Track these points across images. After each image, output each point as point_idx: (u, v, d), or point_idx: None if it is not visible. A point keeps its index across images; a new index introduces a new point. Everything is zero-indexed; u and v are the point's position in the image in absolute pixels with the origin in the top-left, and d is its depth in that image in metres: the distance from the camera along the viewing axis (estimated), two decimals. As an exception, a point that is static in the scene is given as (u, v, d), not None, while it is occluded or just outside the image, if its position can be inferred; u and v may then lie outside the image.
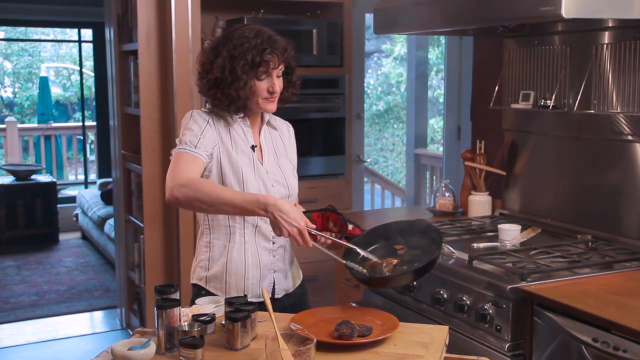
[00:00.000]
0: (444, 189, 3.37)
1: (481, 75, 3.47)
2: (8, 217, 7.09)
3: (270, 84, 2.10)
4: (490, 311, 2.31)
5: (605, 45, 2.71)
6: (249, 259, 2.17)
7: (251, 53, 2.05)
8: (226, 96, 2.09)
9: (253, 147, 2.18)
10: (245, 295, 2.02)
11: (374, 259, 2.04)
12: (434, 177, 5.15)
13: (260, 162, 2.19)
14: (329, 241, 2.07)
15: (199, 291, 2.21)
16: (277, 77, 2.13)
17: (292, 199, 2.25)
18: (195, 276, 2.23)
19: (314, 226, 2.00)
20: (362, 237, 2.15)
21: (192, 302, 2.14)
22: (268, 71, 2.09)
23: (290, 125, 2.37)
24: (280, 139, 2.29)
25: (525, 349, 2.28)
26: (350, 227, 2.15)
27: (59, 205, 7.48)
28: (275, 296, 2.21)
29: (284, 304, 2.22)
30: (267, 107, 2.14)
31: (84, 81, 9.04)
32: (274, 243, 2.20)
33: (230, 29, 2.16)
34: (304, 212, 2.17)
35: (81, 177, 9.25)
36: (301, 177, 2.44)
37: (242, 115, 2.18)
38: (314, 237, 2.00)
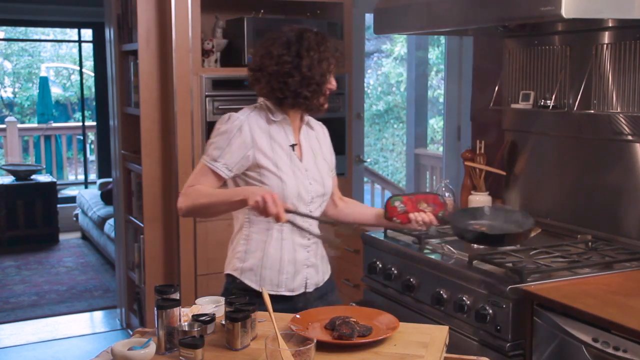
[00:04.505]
0: (444, 189, 3.37)
1: (481, 75, 3.47)
2: (8, 217, 7.09)
3: (331, 84, 2.22)
4: (490, 311, 2.31)
5: (605, 45, 2.71)
6: (285, 255, 2.23)
7: (331, 54, 2.20)
8: (313, 92, 2.17)
9: (293, 146, 2.24)
10: (245, 296, 2.03)
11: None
12: (434, 177, 5.15)
13: (300, 160, 2.25)
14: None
15: (234, 281, 2.26)
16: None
17: (327, 197, 2.33)
18: (230, 267, 2.28)
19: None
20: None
21: (226, 291, 2.25)
22: (331, 72, 2.22)
23: (324, 126, 2.44)
24: (316, 139, 2.37)
25: (525, 349, 2.28)
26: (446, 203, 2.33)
27: (59, 205, 7.48)
28: (307, 290, 2.28)
29: (313, 297, 2.29)
30: (326, 105, 2.25)
31: (84, 81, 9.04)
32: (309, 239, 2.27)
33: (297, 30, 2.21)
34: (394, 196, 2.28)
35: (81, 177, 9.25)
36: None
37: (285, 115, 2.24)
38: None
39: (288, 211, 2.07)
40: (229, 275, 2.29)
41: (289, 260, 2.23)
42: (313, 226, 2.27)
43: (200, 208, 2.16)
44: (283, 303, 2.19)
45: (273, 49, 2.17)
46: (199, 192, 2.14)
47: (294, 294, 2.25)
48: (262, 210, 1.99)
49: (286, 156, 2.21)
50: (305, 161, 2.26)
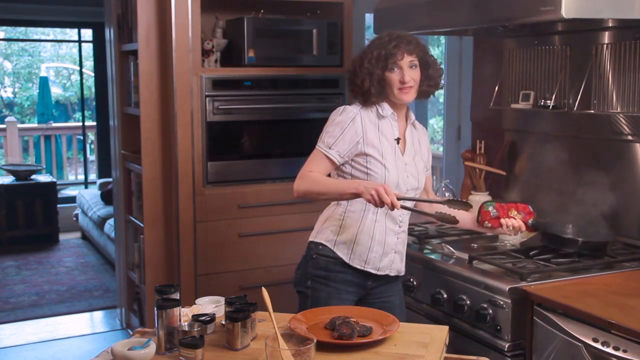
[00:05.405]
0: (444, 189, 3.37)
1: (481, 75, 3.47)
2: (8, 217, 7.08)
3: (401, 75, 2.32)
4: (490, 311, 2.31)
5: (605, 45, 2.71)
6: (376, 236, 2.41)
7: (377, 49, 2.34)
8: (358, 87, 2.37)
9: (397, 140, 2.42)
10: (245, 296, 2.03)
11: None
12: (434, 177, 5.15)
13: (402, 154, 2.43)
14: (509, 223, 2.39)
15: (319, 247, 2.43)
16: (410, 68, 2.34)
17: (419, 191, 2.53)
18: (323, 236, 2.45)
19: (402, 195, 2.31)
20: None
21: (307, 257, 2.46)
22: (396, 63, 2.32)
23: (425, 130, 2.62)
24: (418, 138, 2.54)
25: (525, 349, 2.28)
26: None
27: (59, 205, 7.47)
28: (389, 273, 2.45)
29: (389, 280, 2.47)
30: (401, 97, 2.36)
31: (84, 81, 9.03)
32: (400, 227, 2.45)
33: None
34: (487, 202, 2.44)
35: (81, 177, 9.24)
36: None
37: (392, 112, 2.40)
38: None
39: (399, 198, 2.20)
40: (315, 243, 2.46)
41: (379, 241, 2.40)
42: (406, 215, 2.46)
43: (314, 194, 2.34)
44: (367, 278, 2.42)
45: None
46: (315, 179, 2.33)
47: (379, 272, 2.43)
48: (377, 202, 2.16)
49: (391, 148, 2.39)
50: (406, 156, 2.44)
